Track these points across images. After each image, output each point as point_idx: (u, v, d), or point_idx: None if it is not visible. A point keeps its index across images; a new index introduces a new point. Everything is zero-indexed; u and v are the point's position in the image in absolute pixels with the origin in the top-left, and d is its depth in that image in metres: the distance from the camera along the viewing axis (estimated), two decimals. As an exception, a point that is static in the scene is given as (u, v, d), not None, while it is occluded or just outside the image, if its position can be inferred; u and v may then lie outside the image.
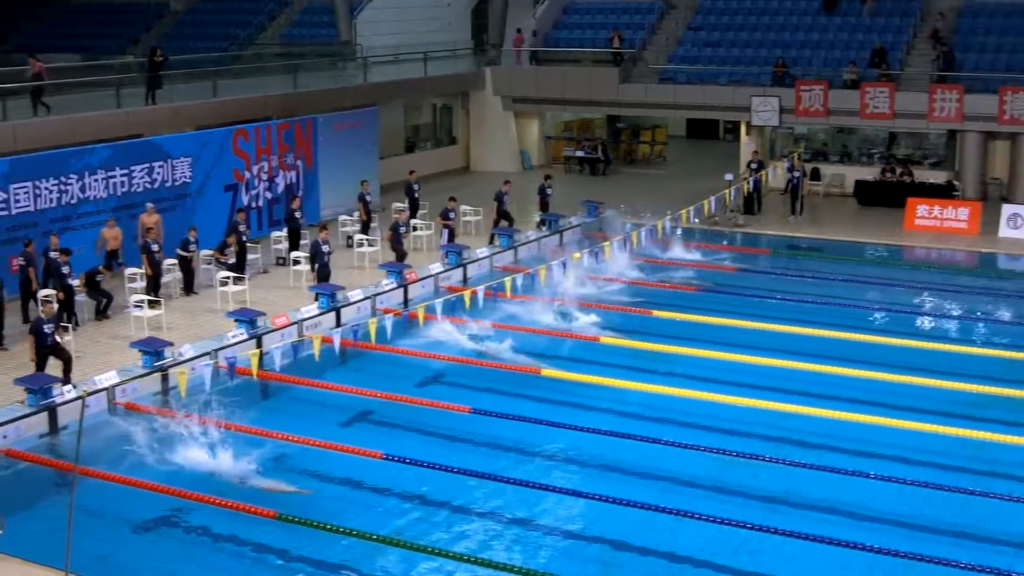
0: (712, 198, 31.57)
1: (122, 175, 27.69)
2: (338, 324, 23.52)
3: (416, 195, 32.81)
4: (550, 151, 46.20)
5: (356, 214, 31.49)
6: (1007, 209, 34.03)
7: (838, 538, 14.73)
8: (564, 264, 25.53)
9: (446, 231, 30.02)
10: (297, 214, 29.39)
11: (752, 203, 35.93)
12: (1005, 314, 25.40)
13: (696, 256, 30.10)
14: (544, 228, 32.43)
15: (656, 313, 24.69)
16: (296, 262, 27.85)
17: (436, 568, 14.40)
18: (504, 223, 31.48)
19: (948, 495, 16.20)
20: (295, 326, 23.20)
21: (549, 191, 33.99)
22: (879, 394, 20.02)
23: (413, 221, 31.76)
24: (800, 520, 15.57)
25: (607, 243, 26.98)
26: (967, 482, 16.58)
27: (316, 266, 26.19)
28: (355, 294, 25.18)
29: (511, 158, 43.44)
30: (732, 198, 34.01)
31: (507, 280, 23.54)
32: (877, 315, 25.25)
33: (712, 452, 17.65)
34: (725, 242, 32.47)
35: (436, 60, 43.32)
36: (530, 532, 15.46)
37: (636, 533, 15.30)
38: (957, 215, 34.19)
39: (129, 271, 26.13)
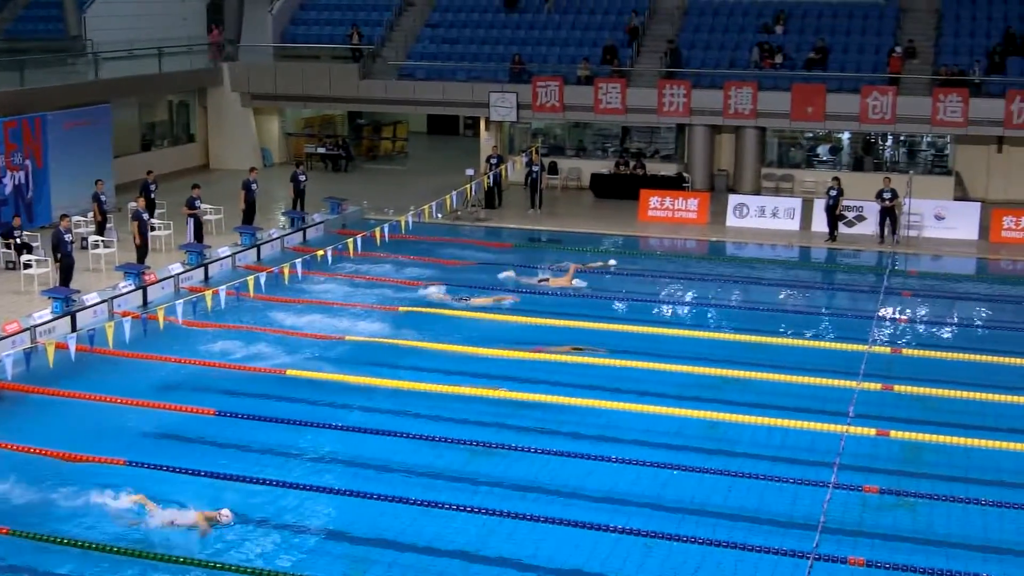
0: (454, 193, 31.93)
1: None
2: (73, 329, 22.72)
3: (152, 195, 31.97)
4: (291, 148, 45.73)
5: (91, 215, 30.46)
6: (733, 199, 35.69)
7: (581, 520, 15.19)
8: (308, 262, 25.39)
9: (191, 221, 29.40)
10: (16, 232, 28.21)
11: (493, 197, 36.53)
12: (734, 299, 26.68)
13: (437, 252, 30.43)
14: (288, 226, 32.16)
15: (402, 309, 24.84)
16: (27, 265, 26.70)
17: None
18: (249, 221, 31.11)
19: (684, 475, 16.91)
20: (27, 332, 22.30)
21: (303, 178, 33.71)
22: (611, 379, 20.75)
23: (152, 220, 30.95)
24: (543, 505, 15.99)
25: (351, 240, 26.95)
26: (703, 462, 17.34)
27: (59, 256, 25.20)
28: (91, 297, 24.38)
29: (251, 155, 42.74)
30: (473, 193, 34.50)
31: (250, 279, 23.24)
32: (617, 304, 26.09)
33: (460, 444, 17.91)
34: (466, 236, 32.91)
35: (171, 56, 42.25)
36: (276, 531, 15.34)
37: (389, 527, 15.39)
38: (687, 206, 35.63)
39: None
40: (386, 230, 28.03)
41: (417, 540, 15.08)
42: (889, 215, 32.58)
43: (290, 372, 20.90)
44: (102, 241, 28.93)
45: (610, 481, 16.91)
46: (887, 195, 32.45)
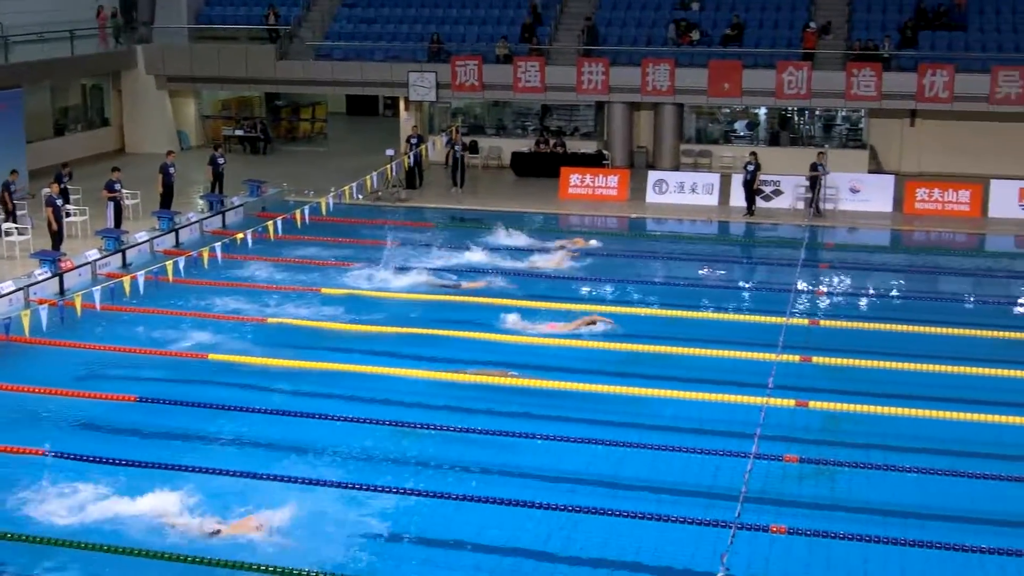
0: (374, 174, 31.85)
1: None
2: (-11, 318, 22.36)
3: (64, 183, 31.35)
4: (209, 131, 45.24)
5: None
6: (652, 176, 35.95)
7: (505, 497, 15.27)
8: (228, 246, 25.20)
9: (111, 205, 29.03)
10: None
11: (414, 177, 36.46)
12: (653, 275, 26.90)
13: (358, 233, 30.34)
14: (207, 209, 31.86)
15: (324, 291, 24.75)
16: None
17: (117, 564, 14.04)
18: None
19: (607, 449, 17.07)
20: (-59, 323, 21.91)
21: (221, 161, 33.42)
22: (533, 357, 20.87)
23: (66, 207, 30.45)
24: (469, 483, 16.07)
25: (271, 223, 26.78)
26: (626, 436, 17.50)
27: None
28: (5, 285, 24.00)
29: (168, 139, 42.21)
30: (394, 173, 34.41)
31: (169, 264, 23.01)
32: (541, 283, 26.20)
33: (387, 425, 17.91)
34: (388, 217, 32.83)
35: (84, 39, 41.55)
36: (204, 517, 15.24)
37: (318, 511, 15.36)
38: (607, 183, 35.83)
39: None
40: (306, 212, 27.88)
41: (342, 524, 15.05)
42: (813, 186, 33.00)
43: (212, 356, 20.74)
44: (16, 228, 28.47)
45: (535, 458, 17.00)
46: (821, 168, 32.89)
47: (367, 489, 15.64)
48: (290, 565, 13.51)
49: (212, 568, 13.77)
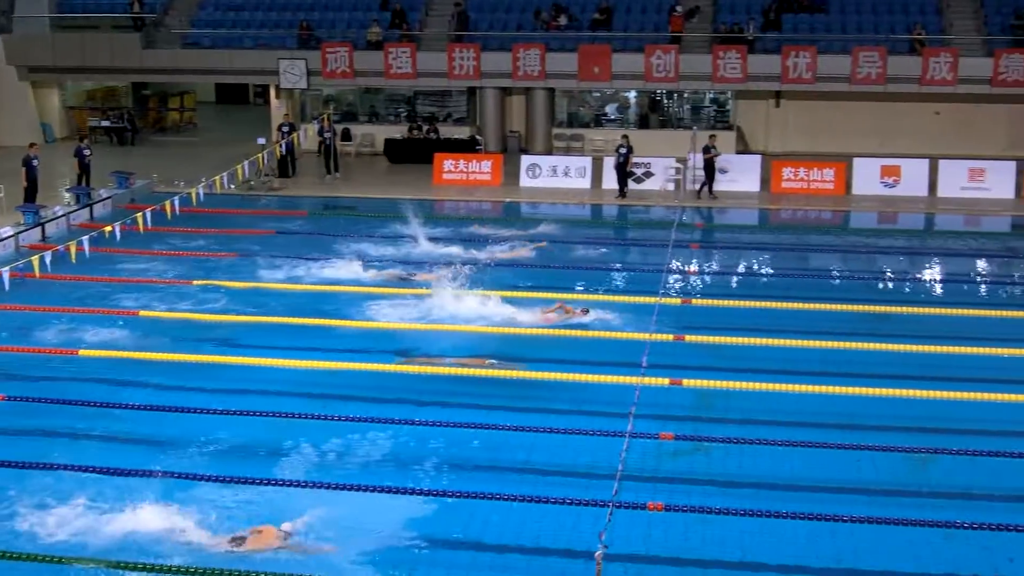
0: (246, 163, 31.50)
1: None
2: None
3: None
4: (74, 122, 44.24)
5: None
6: (525, 160, 36.18)
7: (384, 485, 15.31)
8: (97, 239, 24.72)
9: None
10: None
11: (286, 166, 36.16)
12: (528, 258, 27.05)
13: (231, 223, 30.00)
14: (74, 202, 31.19)
15: (196, 283, 24.42)
16: None
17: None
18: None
19: (486, 433, 17.19)
20: None
21: (87, 152, 32.73)
22: (406, 343, 20.91)
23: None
24: (348, 473, 16.06)
25: (140, 214, 26.34)
26: (504, 419, 17.63)
27: None
28: None
29: (31, 131, 41.14)
30: (266, 162, 34.08)
31: (35, 259, 22.50)
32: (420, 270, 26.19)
33: (266, 416, 17.78)
34: (261, 206, 32.52)
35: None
36: (80, 518, 14.98)
37: (195, 505, 15.21)
38: (481, 168, 35.96)
39: None
40: (176, 203, 27.49)
41: (220, 516, 14.92)
42: (708, 170, 33.49)
43: (82, 352, 20.35)
44: None
45: (415, 445, 17.02)
46: (713, 151, 33.38)
47: (246, 482, 15.51)
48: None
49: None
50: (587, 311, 22.29)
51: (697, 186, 33.81)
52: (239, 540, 13.96)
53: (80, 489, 15.36)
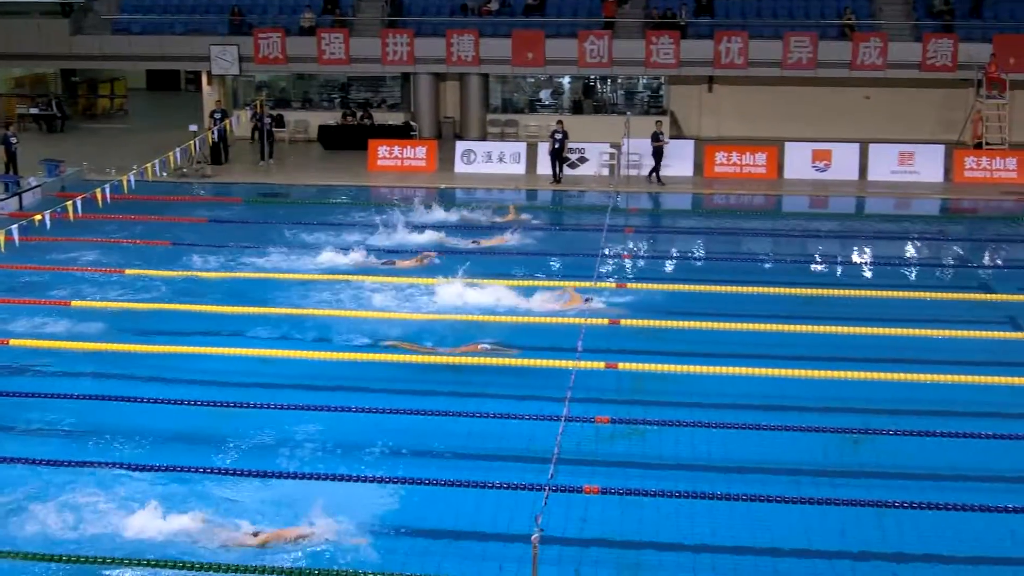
0: (178, 150, 31.19)
1: None
2: None
3: None
4: (1, 109, 43.54)
5: None
6: (460, 146, 36.17)
7: (330, 472, 15.29)
8: (25, 228, 24.39)
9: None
10: None
11: (219, 153, 35.87)
12: (462, 244, 27.05)
13: (163, 211, 29.72)
14: (1, 191, 30.73)
15: (128, 272, 24.19)
16: None
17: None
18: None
19: (425, 419, 17.21)
20: None
21: (14, 140, 32.28)
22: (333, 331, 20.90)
23: None
24: (281, 459, 16.02)
25: (70, 202, 26.00)
26: (443, 405, 17.66)
27: None
28: None
29: (-43, 118, 40.62)
30: (198, 149, 33.78)
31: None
32: (347, 255, 26.08)
33: (198, 405, 17.67)
34: (194, 193, 32.24)
35: None
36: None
37: (123, 496, 15.09)
38: (416, 154, 35.90)
39: None
40: (108, 191, 27.16)
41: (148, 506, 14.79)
42: (657, 155, 33.63)
43: (12, 342, 20.09)
44: None
45: (351, 432, 16.99)
46: (662, 136, 33.54)
47: (182, 471, 15.41)
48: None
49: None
50: (590, 299, 22.02)
51: (646, 172, 34.03)
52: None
53: (6, 481, 15.21)
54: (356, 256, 25.31)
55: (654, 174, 33.72)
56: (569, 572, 13.31)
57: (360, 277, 23.68)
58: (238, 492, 15.02)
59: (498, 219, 29.16)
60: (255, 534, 13.81)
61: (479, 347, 19.74)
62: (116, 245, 26.51)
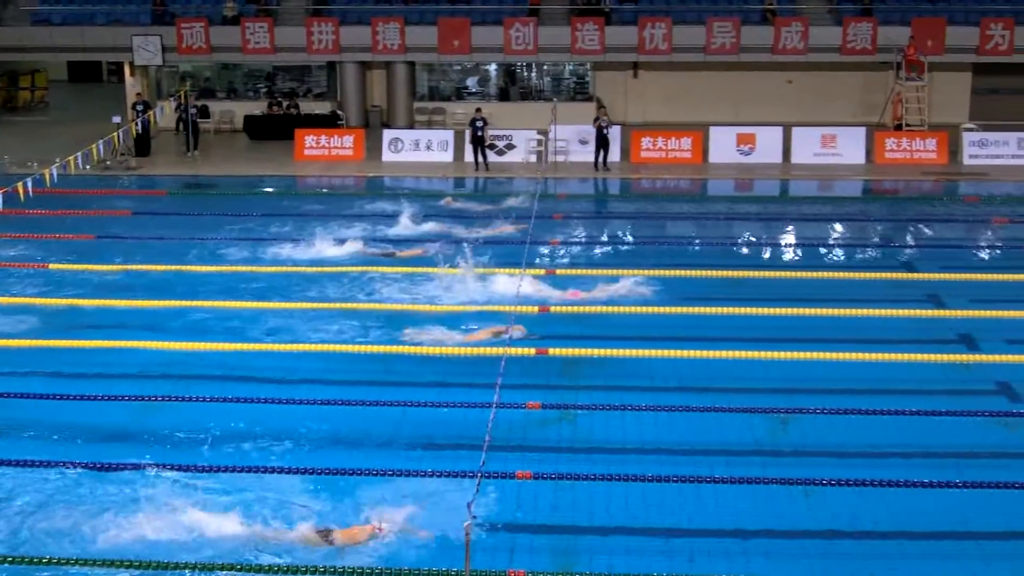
0: (100, 142, 30.82)
1: None
2: None
3: None
4: (-83, 103, 42.87)
5: None
6: (388, 134, 36.09)
7: (264, 464, 15.24)
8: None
9: None
10: None
11: (143, 144, 35.50)
12: (389, 232, 27.00)
13: (88, 204, 29.36)
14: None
15: (52, 267, 23.88)
16: None
17: None
18: None
19: (356, 409, 17.18)
20: None
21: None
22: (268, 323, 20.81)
23: None
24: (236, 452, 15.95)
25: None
26: (376, 395, 17.65)
27: None
28: None
29: None
30: (121, 141, 33.41)
31: None
32: (272, 249, 25.94)
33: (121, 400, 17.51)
34: (118, 186, 31.86)
35: None
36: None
37: (62, 494, 14.95)
38: (343, 143, 35.78)
39: None
40: (29, 184, 26.77)
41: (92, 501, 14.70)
42: (603, 142, 33.70)
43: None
44: None
45: (282, 423, 16.91)
46: (604, 123, 33.63)
47: (122, 468, 15.28)
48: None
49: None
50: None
51: (574, 159, 34.19)
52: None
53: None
54: (284, 250, 25.19)
55: (600, 160, 33.84)
56: (503, 559, 13.38)
57: (286, 268, 23.58)
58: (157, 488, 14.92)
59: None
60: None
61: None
62: (38, 240, 26.14)
